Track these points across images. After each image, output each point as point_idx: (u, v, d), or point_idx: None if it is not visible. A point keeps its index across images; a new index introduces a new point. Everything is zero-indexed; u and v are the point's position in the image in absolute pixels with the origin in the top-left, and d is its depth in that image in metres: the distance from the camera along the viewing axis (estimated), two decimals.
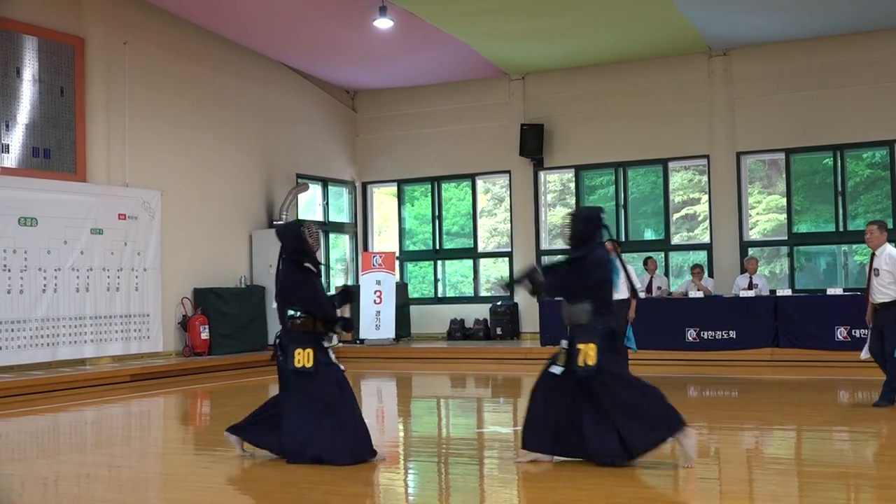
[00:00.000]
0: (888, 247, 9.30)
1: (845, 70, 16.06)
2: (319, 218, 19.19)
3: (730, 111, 16.81)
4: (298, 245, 6.98)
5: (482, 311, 18.38)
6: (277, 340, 7.03)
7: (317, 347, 6.88)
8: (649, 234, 17.86)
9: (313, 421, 6.82)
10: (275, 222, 17.26)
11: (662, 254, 17.35)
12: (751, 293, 14.40)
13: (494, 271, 19.43)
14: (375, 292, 17.48)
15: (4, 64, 13.26)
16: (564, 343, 6.74)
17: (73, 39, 14.10)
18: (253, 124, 17.28)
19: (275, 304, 7.11)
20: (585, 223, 6.87)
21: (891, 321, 9.10)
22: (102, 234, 14.11)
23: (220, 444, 8.41)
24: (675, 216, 17.82)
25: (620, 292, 11.59)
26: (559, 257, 6.93)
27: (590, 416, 6.57)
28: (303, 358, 6.82)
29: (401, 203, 19.88)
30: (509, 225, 18.83)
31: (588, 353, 6.55)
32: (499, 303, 18.15)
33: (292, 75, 18.27)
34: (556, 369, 6.71)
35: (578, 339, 6.62)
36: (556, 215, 18.83)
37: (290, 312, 6.94)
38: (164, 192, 15.12)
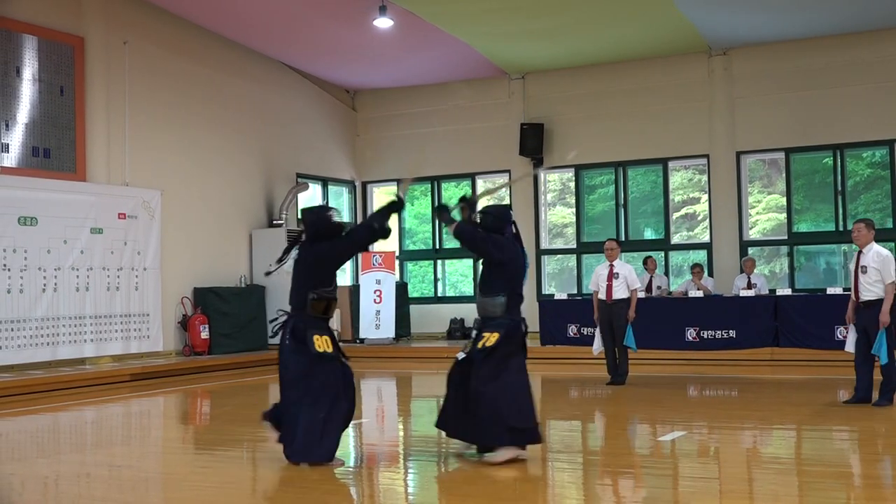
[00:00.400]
0: (875, 245, 9.34)
1: (845, 69, 16.06)
2: None
3: (730, 111, 16.81)
4: (328, 229, 6.97)
5: None
6: (283, 323, 6.89)
7: (331, 335, 6.86)
8: (649, 234, 17.86)
9: (325, 415, 6.72)
10: (274, 221, 17.27)
11: (662, 253, 17.35)
12: (750, 293, 14.39)
13: None
14: (375, 292, 17.48)
15: (4, 63, 13.25)
16: (474, 333, 7.16)
17: (72, 39, 14.09)
18: (253, 124, 17.28)
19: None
20: (496, 219, 7.24)
21: (874, 320, 9.12)
22: (102, 234, 14.11)
23: (220, 443, 8.42)
24: (675, 216, 17.82)
25: (619, 292, 11.71)
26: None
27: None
28: (322, 343, 6.76)
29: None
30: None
31: (490, 340, 6.87)
32: None
33: (292, 75, 18.27)
34: (461, 355, 7.07)
35: (486, 329, 6.97)
36: (557, 215, 18.84)
37: (311, 296, 6.84)
38: (163, 192, 15.12)
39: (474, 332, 7.16)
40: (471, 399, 6.85)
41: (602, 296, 11.81)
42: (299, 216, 6.71)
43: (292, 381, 6.78)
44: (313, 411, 6.68)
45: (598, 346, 12.04)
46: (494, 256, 7.10)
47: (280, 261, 7.45)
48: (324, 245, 6.90)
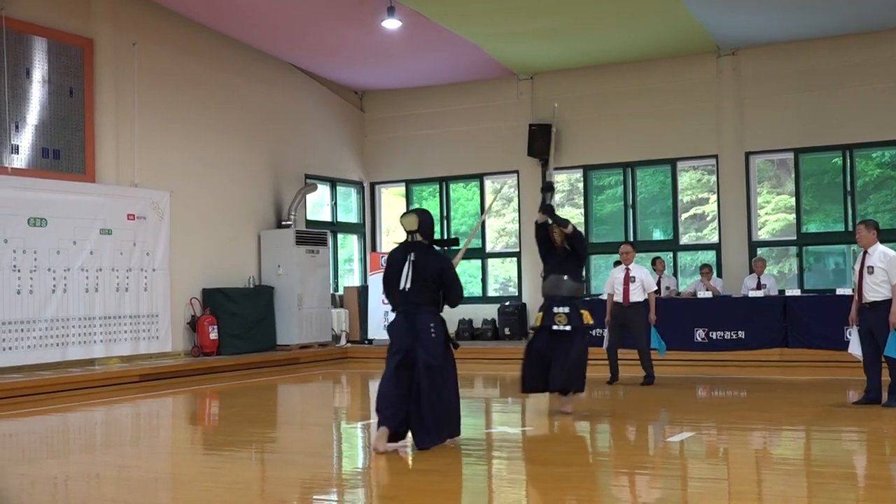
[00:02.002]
0: (880, 245, 9.32)
1: (854, 70, 16.01)
2: (328, 218, 19.21)
3: (738, 111, 16.77)
4: (433, 232, 7.81)
5: (490, 312, 18.38)
6: (426, 318, 7.54)
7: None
8: (658, 235, 17.83)
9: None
10: (283, 222, 17.29)
11: (671, 254, 17.32)
12: (760, 293, 14.36)
13: (503, 272, 19.42)
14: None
15: (14, 65, 13.29)
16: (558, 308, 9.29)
17: (82, 40, 14.13)
18: (261, 125, 17.30)
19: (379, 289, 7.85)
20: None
21: (880, 322, 9.09)
22: (111, 235, 14.14)
23: (228, 444, 8.44)
24: (684, 216, 17.80)
25: (635, 295, 11.86)
26: None
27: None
28: (452, 337, 7.73)
29: (409, 203, 19.87)
30: (517, 225, 18.81)
31: (588, 317, 9.42)
32: (507, 303, 18.15)
33: (300, 76, 18.29)
34: (557, 327, 9.30)
35: (580, 307, 9.40)
36: (565, 215, 18.80)
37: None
38: (172, 193, 15.15)
39: (556, 308, 9.26)
40: (570, 358, 9.10)
41: (619, 298, 12.04)
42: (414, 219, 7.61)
43: (439, 368, 7.48)
44: (454, 392, 7.64)
45: (605, 344, 12.20)
46: (587, 251, 9.35)
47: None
48: (446, 263, 7.76)
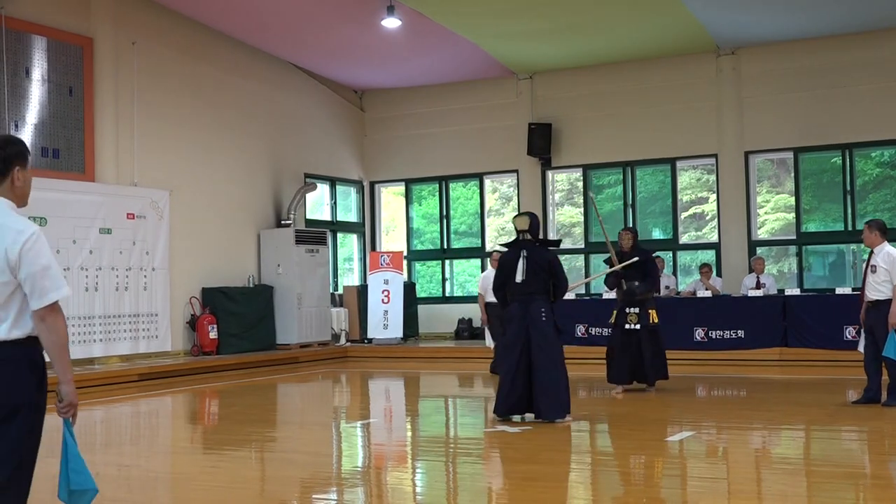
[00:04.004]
0: (887, 245, 9.35)
1: (854, 69, 16.01)
2: (327, 217, 19.21)
3: (738, 110, 16.78)
4: (539, 231, 9.00)
5: None
6: (540, 305, 8.62)
7: None
8: (657, 234, 17.83)
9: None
10: (283, 221, 17.29)
11: (670, 253, 17.32)
12: (759, 293, 14.37)
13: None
14: (383, 292, 17.50)
15: (13, 64, 13.29)
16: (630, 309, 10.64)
17: (81, 39, 14.13)
18: (261, 124, 17.30)
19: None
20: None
21: (880, 321, 9.11)
22: (111, 234, 14.14)
23: (228, 443, 8.44)
24: (683, 215, 17.80)
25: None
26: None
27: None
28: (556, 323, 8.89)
29: (408, 202, 19.89)
30: None
31: (655, 316, 10.82)
32: None
33: (300, 75, 18.29)
34: (629, 326, 10.61)
35: (648, 307, 10.67)
36: (565, 214, 18.84)
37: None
38: (172, 192, 15.15)
39: (629, 308, 10.56)
40: (653, 353, 10.61)
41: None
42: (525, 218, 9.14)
43: (550, 348, 8.58)
44: (564, 371, 8.68)
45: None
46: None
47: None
48: (557, 259, 8.98)
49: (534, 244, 8.93)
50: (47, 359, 3.73)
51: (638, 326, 10.59)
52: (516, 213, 9.84)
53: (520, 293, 8.74)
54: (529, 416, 8.76)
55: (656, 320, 10.76)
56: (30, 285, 3.63)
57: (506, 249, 9.26)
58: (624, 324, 10.68)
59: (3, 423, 3.55)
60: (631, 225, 17.57)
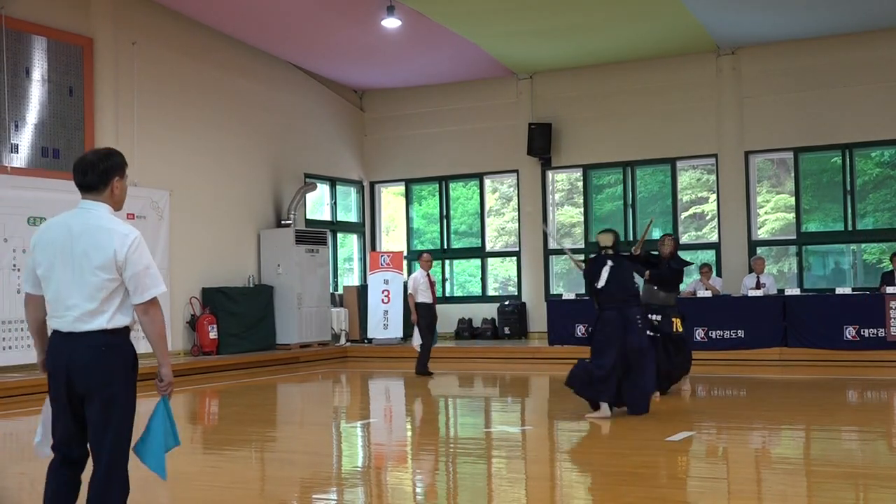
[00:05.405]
0: None
1: (853, 69, 16.01)
2: (327, 217, 19.21)
3: (738, 110, 16.78)
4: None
5: (490, 311, 18.38)
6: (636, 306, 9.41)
7: None
8: (657, 234, 17.80)
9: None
10: (283, 221, 17.29)
11: None
12: (759, 293, 14.37)
13: (502, 271, 19.42)
14: (383, 292, 17.49)
15: (13, 64, 13.29)
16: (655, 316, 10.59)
17: (81, 40, 14.13)
18: (261, 124, 17.30)
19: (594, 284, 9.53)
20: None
21: None
22: None
23: (228, 443, 8.44)
24: (683, 215, 17.80)
25: None
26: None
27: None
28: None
29: (408, 202, 19.89)
30: (517, 224, 18.82)
31: (679, 324, 10.82)
32: (506, 303, 18.16)
33: (300, 75, 18.29)
34: (651, 334, 10.11)
35: (673, 314, 10.74)
36: (564, 214, 18.83)
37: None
38: (172, 192, 15.15)
39: (651, 315, 10.36)
40: (678, 360, 10.76)
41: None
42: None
43: (644, 350, 9.20)
44: (654, 370, 9.43)
45: None
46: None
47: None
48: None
49: (618, 256, 9.61)
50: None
51: (658, 335, 10.48)
52: (602, 229, 10.23)
53: (611, 300, 9.39)
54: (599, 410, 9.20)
55: (681, 329, 10.77)
56: (133, 283, 4.17)
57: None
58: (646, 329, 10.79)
59: (107, 404, 4.12)
60: (629, 224, 17.59)
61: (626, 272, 9.49)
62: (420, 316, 13.67)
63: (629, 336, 9.17)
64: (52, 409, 4.27)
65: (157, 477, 4.40)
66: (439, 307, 18.98)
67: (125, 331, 4.26)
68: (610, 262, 9.43)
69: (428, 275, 13.94)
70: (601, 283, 9.34)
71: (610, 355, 9.07)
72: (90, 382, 4.11)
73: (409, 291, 13.99)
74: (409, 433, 9.29)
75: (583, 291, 17.42)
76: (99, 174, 4.40)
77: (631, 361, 9.13)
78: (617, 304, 9.29)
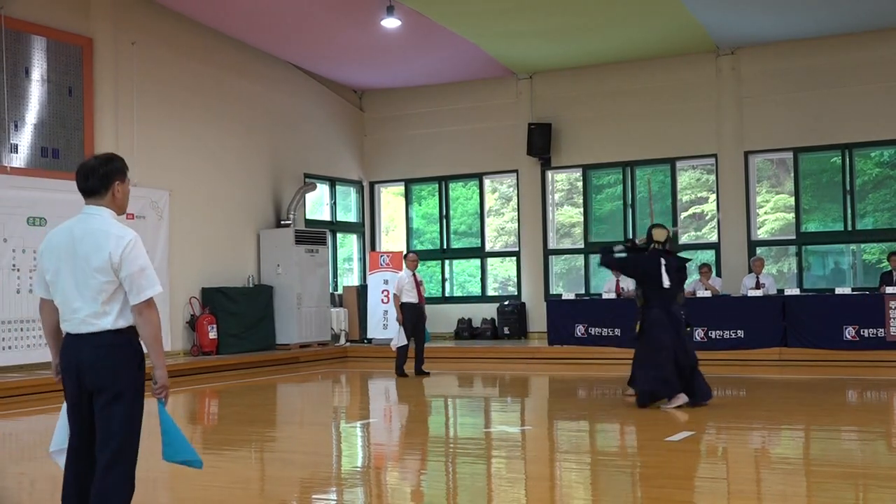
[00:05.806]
0: None
1: (853, 69, 16.01)
2: (327, 217, 19.21)
3: (737, 110, 16.78)
4: None
5: (490, 311, 18.38)
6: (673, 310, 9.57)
7: None
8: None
9: None
10: (282, 221, 17.29)
11: None
12: (759, 293, 14.37)
13: (502, 271, 19.43)
14: (383, 292, 17.49)
15: (13, 64, 13.29)
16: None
17: (81, 39, 14.13)
18: (261, 124, 17.30)
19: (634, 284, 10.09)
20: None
21: None
22: None
23: (228, 443, 8.44)
24: (683, 215, 17.80)
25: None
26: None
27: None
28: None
29: (408, 202, 19.89)
30: (517, 224, 18.82)
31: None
32: (506, 303, 18.16)
33: (300, 75, 18.29)
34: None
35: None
36: (564, 214, 18.83)
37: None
38: (172, 192, 15.15)
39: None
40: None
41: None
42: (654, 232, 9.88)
43: (688, 344, 9.60)
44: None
45: None
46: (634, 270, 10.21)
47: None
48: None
49: (669, 253, 9.72)
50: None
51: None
52: (653, 223, 10.13)
53: (664, 298, 9.52)
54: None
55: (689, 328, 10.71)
56: (129, 284, 4.27)
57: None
58: None
59: (113, 401, 4.23)
60: (628, 224, 17.60)
61: (674, 270, 9.59)
62: (405, 317, 13.65)
63: (679, 333, 9.45)
64: (67, 409, 4.38)
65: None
66: (439, 307, 19.09)
67: (131, 330, 4.34)
68: (663, 260, 9.49)
69: (414, 274, 13.89)
70: (667, 283, 9.43)
71: (667, 357, 9.29)
72: (97, 381, 4.23)
73: (394, 291, 13.99)
74: (409, 433, 9.29)
75: (583, 291, 17.48)
76: (100, 178, 4.48)
77: (680, 357, 9.38)
78: (665, 302, 9.45)
